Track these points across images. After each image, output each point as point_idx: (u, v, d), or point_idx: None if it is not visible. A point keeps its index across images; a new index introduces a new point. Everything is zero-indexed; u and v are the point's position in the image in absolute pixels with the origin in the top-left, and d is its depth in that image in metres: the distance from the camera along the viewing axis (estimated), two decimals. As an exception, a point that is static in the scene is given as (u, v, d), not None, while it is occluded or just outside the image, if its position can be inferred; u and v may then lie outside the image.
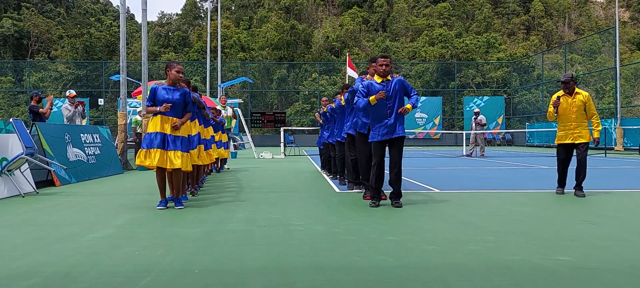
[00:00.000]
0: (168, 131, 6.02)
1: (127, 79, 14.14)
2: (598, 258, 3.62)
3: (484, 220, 5.16)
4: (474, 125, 19.59)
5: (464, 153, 20.32)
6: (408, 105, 6.08)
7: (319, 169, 12.17)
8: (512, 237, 4.36)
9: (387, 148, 6.25)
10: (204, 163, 7.81)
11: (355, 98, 6.34)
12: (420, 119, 38.06)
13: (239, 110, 23.44)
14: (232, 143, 25.03)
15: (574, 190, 7.15)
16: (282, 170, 13.06)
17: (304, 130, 31.73)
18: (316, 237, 4.44)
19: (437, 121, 38.67)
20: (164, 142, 5.99)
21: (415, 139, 38.55)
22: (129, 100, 20.89)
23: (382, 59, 6.15)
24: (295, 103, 43.85)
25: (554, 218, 5.28)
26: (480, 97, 39.59)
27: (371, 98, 6.02)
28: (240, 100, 31.76)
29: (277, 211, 5.90)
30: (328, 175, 10.77)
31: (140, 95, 14.63)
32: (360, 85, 6.32)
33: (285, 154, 20.33)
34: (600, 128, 7.36)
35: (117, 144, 13.41)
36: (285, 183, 9.38)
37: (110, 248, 4.04)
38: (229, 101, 25.73)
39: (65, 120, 12.25)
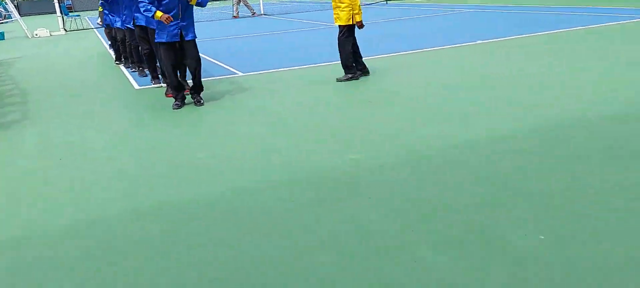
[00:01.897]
0: None
1: None
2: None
3: (284, 109, 5.48)
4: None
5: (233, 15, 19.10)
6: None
7: (111, 54, 11.16)
8: (312, 133, 4.75)
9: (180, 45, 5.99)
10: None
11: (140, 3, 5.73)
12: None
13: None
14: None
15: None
16: (66, 58, 11.69)
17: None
18: (125, 165, 4.28)
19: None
20: None
21: None
22: None
23: None
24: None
25: (340, 102, 5.82)
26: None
27: (159, 16, 5.54)
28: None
29: (73, 131, 5.43)
30: (124, 65, 9.96)
31: None
32: None
33: (65, 29, 18.00)
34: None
35: None
36: (74, 82, 8.50)
37: None
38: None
39: None
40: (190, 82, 6.28)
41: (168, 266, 2.66)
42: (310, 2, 25.38)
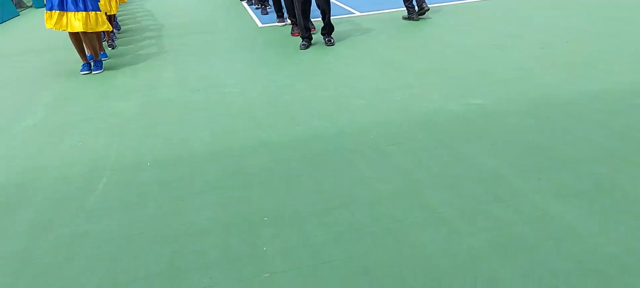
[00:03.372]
0: None
1: None
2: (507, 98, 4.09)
3: (404, 55, 5.47)
4: None
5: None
6: None
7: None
8: (433, 78, 4.73)
9: None
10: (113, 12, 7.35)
11: None
12: None
13: None
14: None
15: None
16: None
17: None
18: (253, 99, 4.60)
19: None
20: (63, 2, 5.54)
21: None
22: None
23: None
24: None
25: (465, 43, 5.67)
26: None
27: None
28: None
29: (205, 65, 5.89)
30: (247, 3, 10.42)
31: None
32: None
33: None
34: None
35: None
36: (202, 19, 9.07)
37: (51, 141, 4.03)
38: None
39: None
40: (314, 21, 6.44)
41: (290, 190, 2.91)
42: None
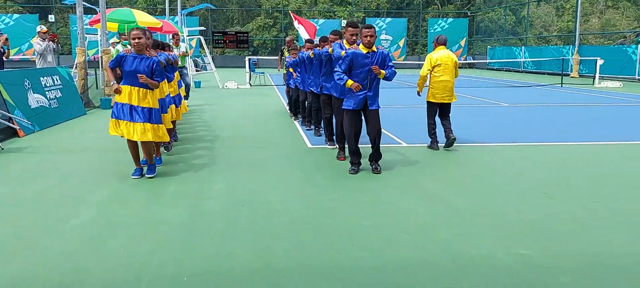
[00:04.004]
0: (135, 102, 5.93)
1: (83, 4, 13.37)
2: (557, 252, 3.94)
3: (450, 193, 5.44)
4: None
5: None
6: (383, 72, 6.17)
7: (287, 110, 12.18)
8: (479, 219, 4.65)
9: (363, 114, 6.36)
10: (178, 119, 7.78)
11: (336, 67, 6.29)
12: (385, 41, 37.86)
13: (201, 38, 22.88)
14: (194, 67, 24.55)
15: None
16: (249, 110, 13.03)
17: (268, 59, 31.31)
18: (297, 219, 4.62)
19: (401, 43, 38.64)
20: (131, 113, 5.92)
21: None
22: (87, 36, 19.79)
23: (367, 30, 6.10)
24: (257, 18, 42.73)
25: (513, 190, 5.59)
26: (444, 19, 39.51)
27: (350, 84, 6.03)
28: (202, 28, 30.67)
29: (253, 180, 6.03)
30: (297, 121, 10.83)
31: (98, 24, 14.02)
32: (341, 53, 6.28)
33: (250, 84, 20.14)
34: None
35: (77, 81, 12.98)
36: (255, 134, 9.44)
37: (95, 243, 4.11)
38: (188, 29, 24.90)
39: (37, 56, 12.09)
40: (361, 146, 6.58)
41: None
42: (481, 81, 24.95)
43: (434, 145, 7.82)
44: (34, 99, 9.77)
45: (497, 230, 4.34)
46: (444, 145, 7.75)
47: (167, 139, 6.30)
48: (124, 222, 4.60)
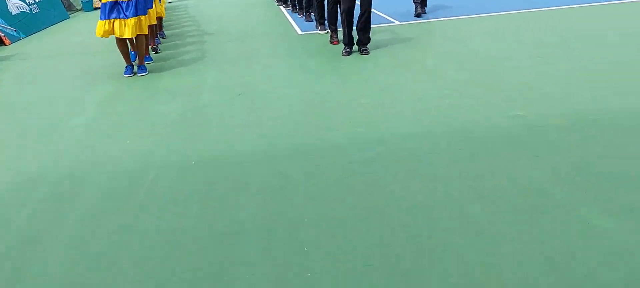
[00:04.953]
0: None
1: None
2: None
3: (443, 63, 5.47)
4: None
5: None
6: None
7: (274, -1, 11.87)
8: (475, 88, 4.71)
9: None
10: (162, 16, 7.60)
11: None
12: None
13: None
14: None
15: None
16: (237, 1, 12.66)
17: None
18: (293, 105, 4.68)
19: None
20: (117, 10, 5.77)
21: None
22: None
23: None
24: None
25: (508, 56, 5.62)
26: None
27: None
28: None
29: (246, 71, 6.02)
30: (286, 8, 10.59)
31: None
32: None
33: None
34: None
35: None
36: (245, 25, 9.26)
37: (100, 139, 4.20)
38: None
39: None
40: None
41: (330, 194, 2.96)
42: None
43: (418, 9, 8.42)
44: (14, 5, 9.46)
45: (493, 97, 4.42)
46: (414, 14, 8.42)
47: (154, 20, 6.26)
48: (124, 119, 4.67)
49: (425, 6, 8.60)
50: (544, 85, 4.63)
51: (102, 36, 5.84)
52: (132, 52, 6.44)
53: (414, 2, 8.55)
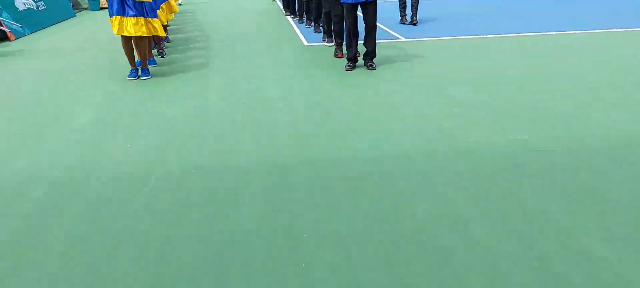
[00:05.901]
0: None
1: None
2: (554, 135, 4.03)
3: (449, 82, 5.46)
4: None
5: None
6: None
7: (281, 7, 11.90)
8: (478, 109, 4.69)
9: (360, 7, 6.21)
10: (169, 18, 7.61)
11: None
12: None
13: None
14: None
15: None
16: (243, 9, 12.71)
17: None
18: (297, 115, 4.67)
19: None
20: (123, 7, 5.77)
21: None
22: None
23: None
24: None
25: (513, 75, 5.61)
26: None
27: None
28: None
29: (252, 78, 6.01)
30: (293, 18, 10.62)
31: None
32: None
33: (241, -18, 19.43)
34: None
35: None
36: (251, 33, 9.26)
37: (101, 140, 4.18)
38: None
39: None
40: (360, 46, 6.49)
41: (331, 207, 2.94)
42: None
43: (403, 19, 9.45)
44: (21, 1, 9.46)
45: (496, 118, 4.41)
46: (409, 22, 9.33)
47: (162, 33, 6.17)
48: (126, 121, 4.65)
49: (416, 16, 9.39)
50: (552, 109, 4.62)
51: (118, 33, 5.82)
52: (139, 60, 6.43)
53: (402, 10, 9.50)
